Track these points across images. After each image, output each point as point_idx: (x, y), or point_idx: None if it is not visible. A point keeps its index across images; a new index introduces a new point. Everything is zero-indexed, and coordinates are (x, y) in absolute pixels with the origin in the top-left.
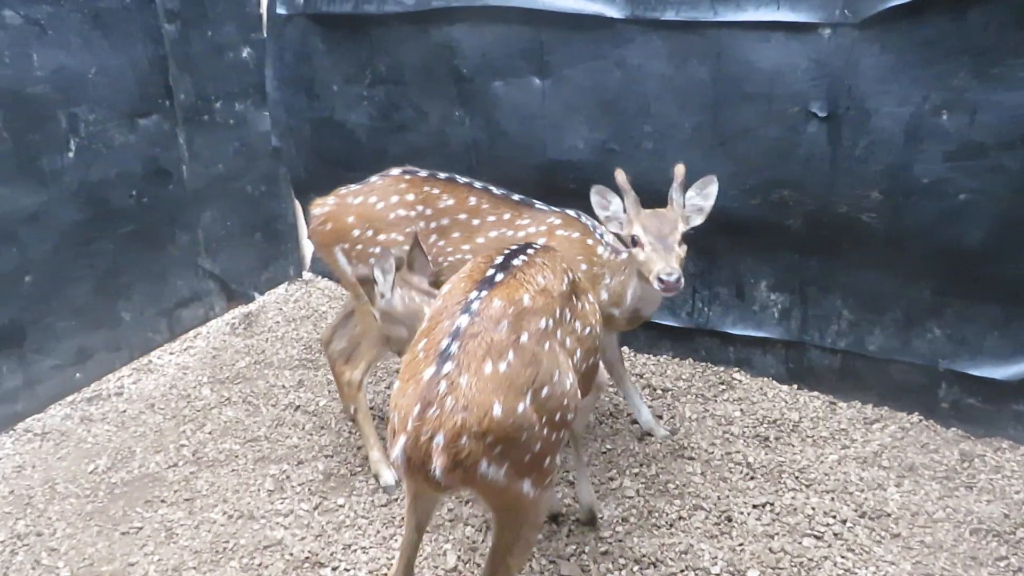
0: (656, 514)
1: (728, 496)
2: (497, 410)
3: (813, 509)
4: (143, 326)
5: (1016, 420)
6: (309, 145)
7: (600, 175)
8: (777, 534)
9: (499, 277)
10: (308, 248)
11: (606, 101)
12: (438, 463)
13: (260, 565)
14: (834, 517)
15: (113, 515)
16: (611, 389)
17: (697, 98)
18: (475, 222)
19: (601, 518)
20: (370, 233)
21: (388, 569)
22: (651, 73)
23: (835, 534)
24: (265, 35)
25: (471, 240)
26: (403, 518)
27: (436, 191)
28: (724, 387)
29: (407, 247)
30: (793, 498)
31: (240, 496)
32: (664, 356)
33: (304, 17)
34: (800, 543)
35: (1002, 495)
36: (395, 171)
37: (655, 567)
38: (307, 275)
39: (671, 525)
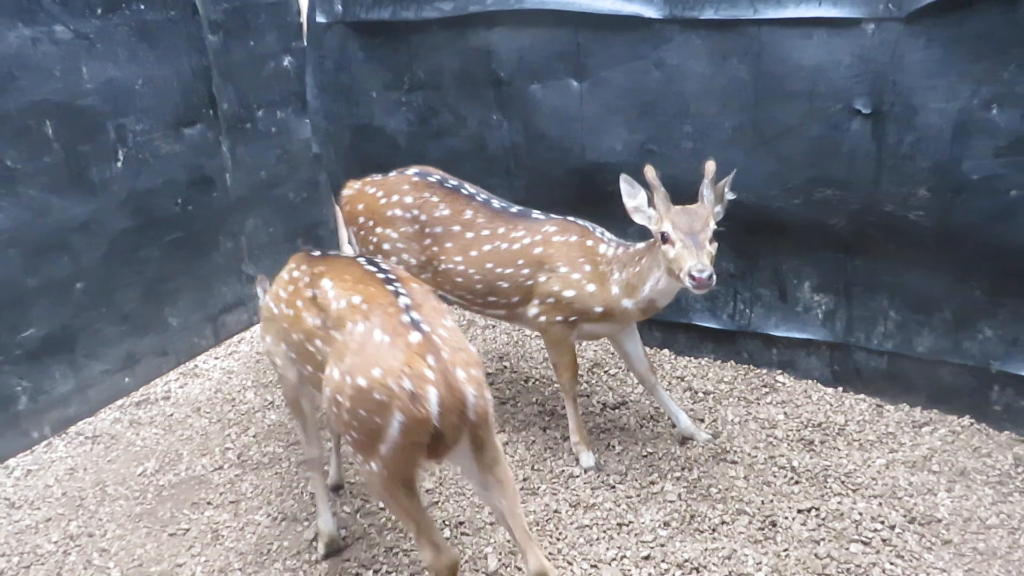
0: (698, 518)
1: (772, 501)
2: (472, 348)
3: (860, 514)
4: (189, 331)
5: None
6: (349, 151)
7: (639, 178)
8: (823, 540)
9: (391, 275)
10: (347, 253)
11: (645, 102)
12: (470, 389)
13: (303, 567)
14: (882, 523)
15: (161, 517)
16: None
17: (737, 97)
18: (469, 235)
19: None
20: (371, 224)
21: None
22: (690, 73)
23: (883, 540)
24: (305, 43)
25: (464, 252)
26: (443, 520)
27: (435, 199)
28: (767, 390)
29: (400, 245)
30: (839, 503)
31: (284, 499)
32: (706, 359)
33: (343, 25)
34: (847, 549)
35: None
36: (411, 170)
37: (698, 572)
38: None
39: (714, 530)
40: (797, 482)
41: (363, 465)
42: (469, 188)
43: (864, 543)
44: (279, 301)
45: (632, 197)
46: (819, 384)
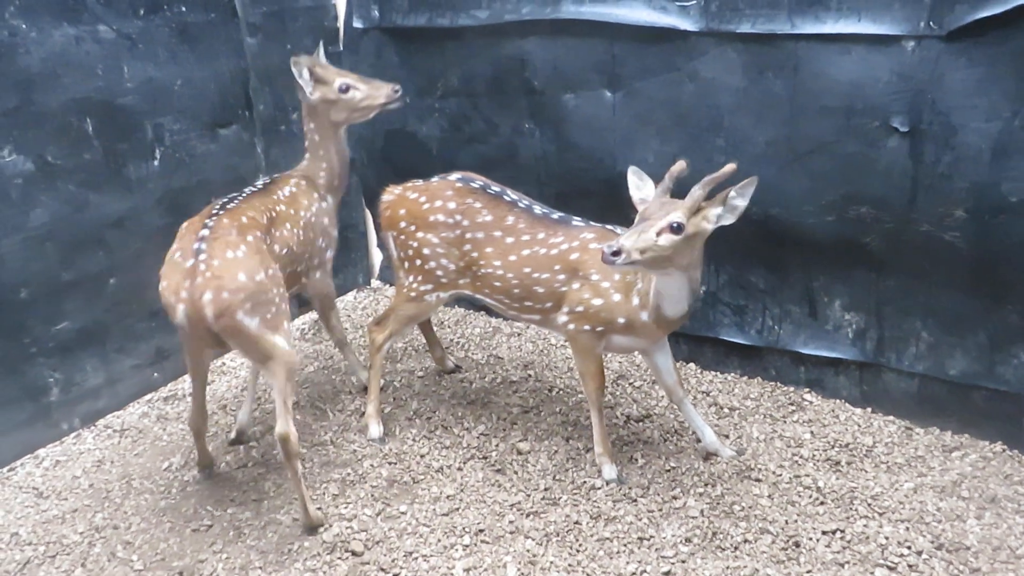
0: (720, 536)
1: (796, 521)
2: (242, 277)
3: (886, 538)
4: None
5: None
6: (381, 155)
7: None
8: (848, 563)
9: (220, 212)
10: (377, 257)
11: (678, 114)
12: (209, 311)
13: (323, 568)
14: (909, 548)
15: (185, 512)
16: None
17: (772, 112)
18: (509, 240)
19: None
20: (412, 228)
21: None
22: (725, 86)
23: (909, 565)
24: (341, 48)
25: (503, 256)
26: (463, 527)
27: (478, 205)
28: (794, 408)
29: (440, 250)
30: (865, 526)
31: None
32: (732, 374)
33: (379, 31)
34: (872, 573)
35: None
36: (454, 175)
37: None
38: (375, 283)
39: (736, 548)
40: (822, 503)
41: None
42: (511, 194)
43: (890, 568)
44: None
45: (639, 189)
46: (847, 404)
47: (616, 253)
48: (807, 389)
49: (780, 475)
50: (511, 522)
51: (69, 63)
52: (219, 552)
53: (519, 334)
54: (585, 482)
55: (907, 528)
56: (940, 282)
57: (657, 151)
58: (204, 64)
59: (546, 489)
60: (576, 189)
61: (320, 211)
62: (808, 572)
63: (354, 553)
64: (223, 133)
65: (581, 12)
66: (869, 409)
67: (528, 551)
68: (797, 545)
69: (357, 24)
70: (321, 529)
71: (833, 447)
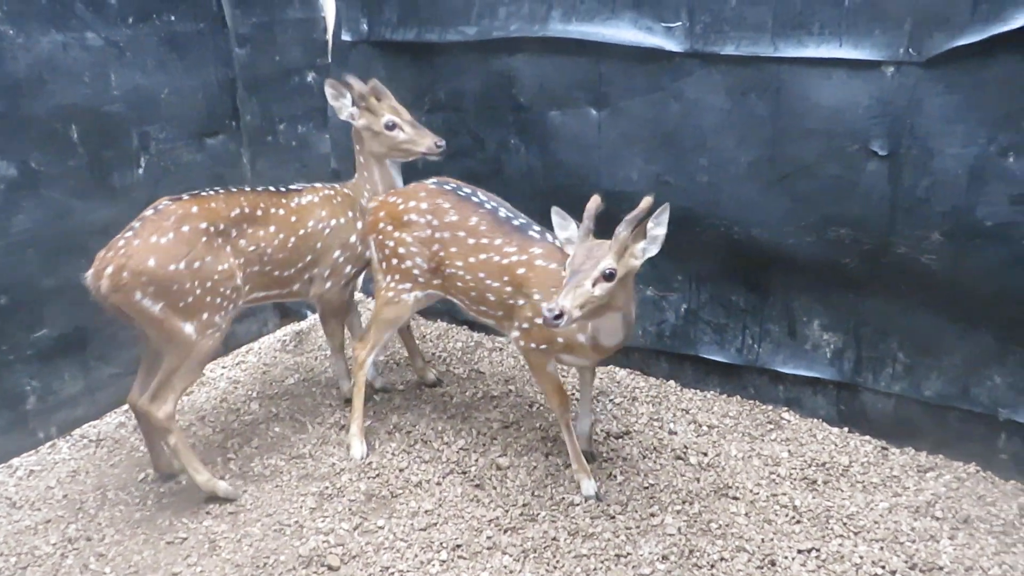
0: (697, 554)
1: (772, 539)
2: (151, 262)
3: (861, 558)
4: None
5: None
6: None
7: (653, 207)
8: None
9: (184, 198)
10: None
11: (662, 133)
12: (105, 284)
13: None
14: (883, 567)
15: (160, 524)
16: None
17: (754, 133)
18: (471, 241)
19: None
20: (389, 228)
21: None
22: (709, 107)
23: None
24: (330, 60)
25: (464, 258)
26: (440, 543)
27: (446, 205)
28: (772, 427)
29: (414, 248)
30: (840, 545)
31: (282, 512)
32: (711, 392)
33: (368, 44)
34: None
35: None
36: (431, 180)
37: None
38: (358, 296)
39: (712, 566)
40: (798, 521)
41: None
42: (481, 196)
43: None
44: None
45: (564, 229)
46: (825, 423)
47: (558, 316)
48: (785, 408)
49: (757, 493)
50: (489, 538)
51: (56, 69)
52: (194, 565)
53: (501, 349)
54: (564, 498)
55: (881, 548)
56: (917, 304)
57: (641, 169)
58: (192, 73)
59: (524, 505)
60: (561, 205)
61: (345, 227)
62: None
63: (330, 567)
64: (210, 142)
65: (568, 31)
66: (846, 429)
67: (505, 567)
68: (773, 564)
69: (346, 37)
70: (298, 543)
71: (810, 466)
